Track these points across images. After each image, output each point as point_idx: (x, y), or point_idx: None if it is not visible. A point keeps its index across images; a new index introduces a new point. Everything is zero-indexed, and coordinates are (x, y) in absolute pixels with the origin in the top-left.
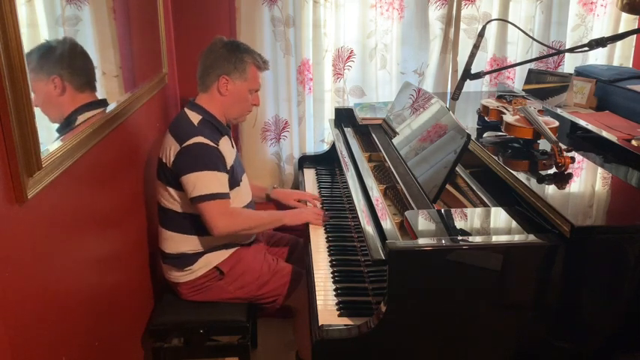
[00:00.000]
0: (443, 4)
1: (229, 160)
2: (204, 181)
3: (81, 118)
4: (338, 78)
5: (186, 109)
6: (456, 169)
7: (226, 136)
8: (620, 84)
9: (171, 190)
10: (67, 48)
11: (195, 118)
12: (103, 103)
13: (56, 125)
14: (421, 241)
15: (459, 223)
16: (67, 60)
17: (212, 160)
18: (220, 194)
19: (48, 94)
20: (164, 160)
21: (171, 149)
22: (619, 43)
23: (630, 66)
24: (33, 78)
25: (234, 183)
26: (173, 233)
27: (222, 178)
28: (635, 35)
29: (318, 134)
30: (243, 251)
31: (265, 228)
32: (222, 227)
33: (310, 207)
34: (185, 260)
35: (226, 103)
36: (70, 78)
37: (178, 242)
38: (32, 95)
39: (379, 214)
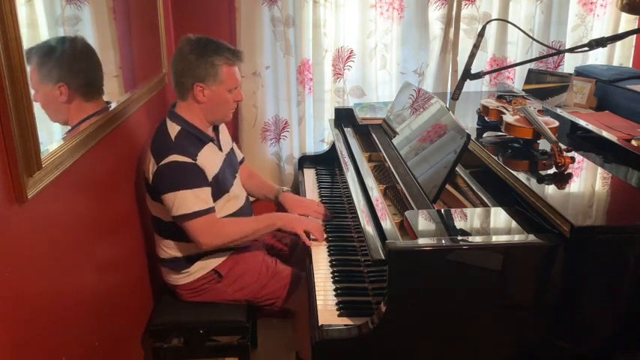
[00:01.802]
0: (443, 4)
1: (212, 170)
2: (182, 201)
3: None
4: (338, 78)
5: (167, 119)
6: (456, 169)
7: (210, 143)
8: (620, 84)
9: (156, 203)
10: (78, 53)
11: (173, 130)
12: (108, 107)
13: (57, 125)
14: (421, 241)
15: (459, 223)
16: (77, 67)
17: (189, 178)
18: (201, 211)
19: (52, 98)
20: (146, 176)
21: (150, 167)
22: (619, 43)
23: (630, 66)
24: (37, 77)
25: (222, 191)
26: (166, 240)
27: (202, 193)
28: (635, 35)
29: (318, 134)
30: (242, 253)
31: (258, 235)
32: (208, 243)
33: (310, 219)
34: (181, 264)
35: (206, 109)
36: (77, 87)
37: (172, 248)
38: (32, 92)
39: (379, 214)
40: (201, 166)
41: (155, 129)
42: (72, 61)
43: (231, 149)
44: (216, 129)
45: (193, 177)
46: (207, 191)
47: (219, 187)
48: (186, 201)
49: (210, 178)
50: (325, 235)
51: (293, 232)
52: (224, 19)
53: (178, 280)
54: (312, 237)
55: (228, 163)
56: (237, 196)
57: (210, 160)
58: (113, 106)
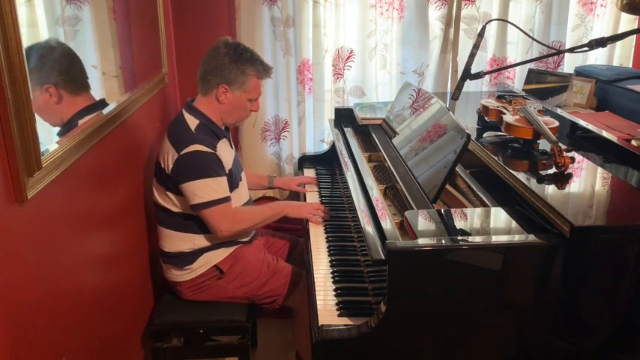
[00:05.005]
0: (443, 4)
1: (227, 163)
2: (203, 189)
3: (81, 122)
4: (338, 78)
5: (184, 112)
6: (456, 169)
7: (224, 139)
8: (620, 84)
9: (169, 194)
10: (55, 53)
11: (192, 122)
12: (102, 104)
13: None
14: (421, 241)
15: (459, 223)
16: (58, 66)
17: (210, 167)
18: (220, 199)
19: (44, 103)
20: (162, 166)
21: (169, 156)
22: (619, 43)
23: (630, 66)
24: None
25: (232, 186)
26: (171, 231)
27: (222, 182)
28: (635, 35)
29: (318, 134)
30: (243, 250)
31: (269, 221)
32: (226, 230)
33: (312, 202)
34: (184, 259)
35: (224, 110)
36: (64, 85)
37: (177, 240)
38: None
39: (379, 214)
40: (220, 157)
41: (155, 126)
42: (50, 61)
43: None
44: (227, 128)
45: (214, 166)
46: (225, 180)
47: (232, 181)
48: (207, 189)
49: (226, 170)
50: (327, 216)
51: (300, 217)
52: (224, 19)
53: (180, 276)
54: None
55: (236, 160)
56: (243, 192)
57: (225, 154)
58: (113, 106)
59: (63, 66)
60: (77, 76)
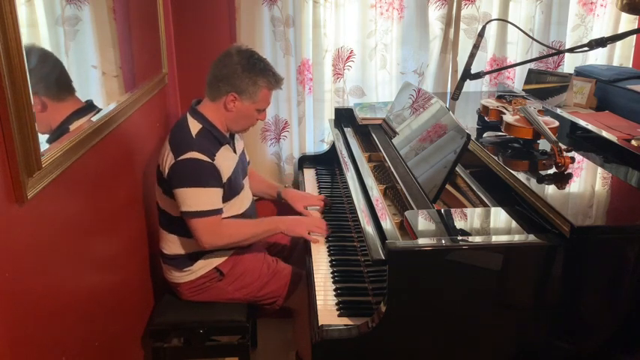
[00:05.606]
0: (443, 4)
1: (227, 172)
2: (193, 198)
3: (72, 127)
4: (338, 78)
5: (188, 115)
6: (456, 169)
7: (227, 145)
8: (620, 84)
9: (167, 197)
10: (36, 59)
11: (194, 127)
12: (91, 106)
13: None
14: (421, 241)
15: (459, 223)
16: (40, 72)
17: (204, 177)
18: (209, 211)
19: None
20: (161, 169)
21: (167, 159)
22: (619, 43)
23: (630, 66)
24: None
25: (232, 194)
26: (172, 235)
27: (214, 193)
28: (635, 35)
29: (318, 134)
30: (243, 252)
31: (259, 238)
32: (207, 243)
33: (312, 217)
34: (184, 261)
35: (230, 118)
36: (46, 91)
37: (177, 244)
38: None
39: (379, 214)
40: (218, 167)
41: (155, 126)
42: (30, 69)
43: (243, 150)
44: (231, 134)
45: (209, 177)
46: (218, 193)
47: (232, 189)
48: (197, 199)
49: (224, 179)
50: (330, 231)
51: (297, 236)
52: (224, 19)
53: (180, 278)
54: (315, 234)
55: (240, 165)
56: (245, 198)
57: (225, 161)
58: (113, 106)
59: (44, 72)
60: (60, 80)
